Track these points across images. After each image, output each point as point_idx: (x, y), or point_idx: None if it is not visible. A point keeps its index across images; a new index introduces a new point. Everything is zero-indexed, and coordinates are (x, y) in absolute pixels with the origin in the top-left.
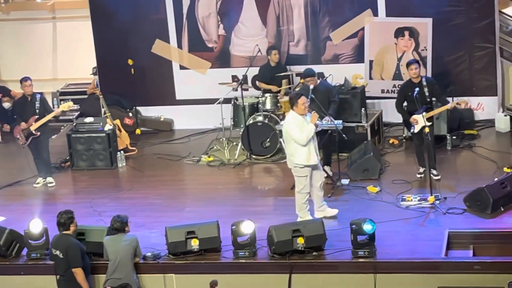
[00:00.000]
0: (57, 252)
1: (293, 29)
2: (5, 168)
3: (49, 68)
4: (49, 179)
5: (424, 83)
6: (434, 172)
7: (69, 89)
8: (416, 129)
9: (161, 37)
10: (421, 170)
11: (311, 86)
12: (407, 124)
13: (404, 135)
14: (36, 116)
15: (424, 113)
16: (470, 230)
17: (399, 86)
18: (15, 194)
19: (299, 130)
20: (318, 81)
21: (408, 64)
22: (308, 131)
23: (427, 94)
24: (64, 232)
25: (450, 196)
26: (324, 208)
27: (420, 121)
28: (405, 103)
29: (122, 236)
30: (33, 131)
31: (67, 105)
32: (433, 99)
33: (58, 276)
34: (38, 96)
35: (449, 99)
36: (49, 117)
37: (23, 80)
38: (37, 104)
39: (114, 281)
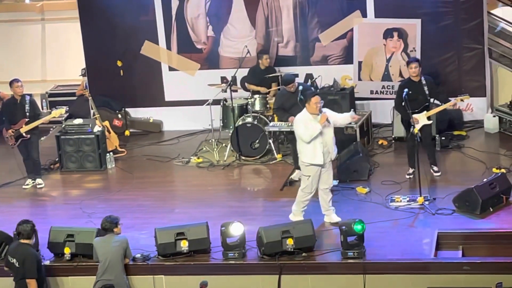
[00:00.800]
0: (14, 260)
1: (281, 30)
2: None
3: (38, 69)
4: (39, 180)
5: (424, 82)
6: (435, 168)
7: (58, 91)
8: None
9: (150, 38)
10: (410, 171)
11: (300, 87)
12: (406, 123)
13: (393, 136)
14: (27, 119)
15: (425, 112)
16: (459, 231)
17: (388, 87)
18: (4, 196)
19: (304, 127)
20: (296, 83)
21: (408, 63)
22: (312, 130)
23: (427, 92)
24: (24, 241)
25: (439, 196)
26: (330, 213)
27: (421, 120)
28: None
29: (112, 238)
30: (23, 134)
31: (59, 112)
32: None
33: (14, 284)
34: (27, 98)
35: None
36: (39, 122)
37: (14, 81)
38: (27, 107)
39: (104, 282)
